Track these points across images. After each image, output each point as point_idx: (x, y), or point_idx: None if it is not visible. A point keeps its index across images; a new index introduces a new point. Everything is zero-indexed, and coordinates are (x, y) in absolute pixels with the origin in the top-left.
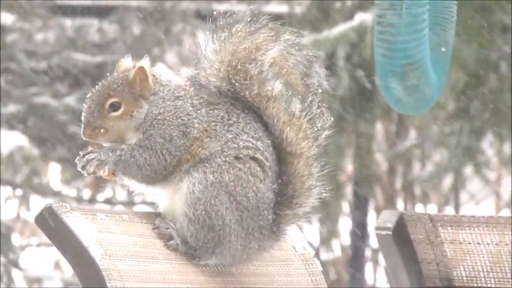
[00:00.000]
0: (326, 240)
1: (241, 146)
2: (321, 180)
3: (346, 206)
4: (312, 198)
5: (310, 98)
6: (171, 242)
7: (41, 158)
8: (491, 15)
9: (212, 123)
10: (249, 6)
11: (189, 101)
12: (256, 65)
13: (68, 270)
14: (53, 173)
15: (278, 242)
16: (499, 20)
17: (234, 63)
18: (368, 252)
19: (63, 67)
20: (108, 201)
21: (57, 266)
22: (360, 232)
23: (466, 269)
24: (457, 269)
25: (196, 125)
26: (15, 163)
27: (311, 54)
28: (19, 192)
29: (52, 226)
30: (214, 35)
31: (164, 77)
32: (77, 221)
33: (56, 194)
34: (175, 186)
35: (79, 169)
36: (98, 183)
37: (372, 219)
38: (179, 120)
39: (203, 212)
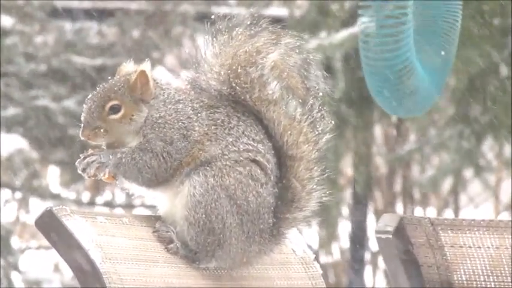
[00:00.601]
0: (325, 243)
1: (241, 149)
2: (321, 184)
3: (345, 210)
4: (312, 202)
5: (311, 102)
6: (171, 245)
7: (40, 160)
8: (491, 18)
9: (213, 127)
10: (248, 9)
11: (190, 105)
12: (257, 69)
13: (67, 273)
14: (52, 176)
15: (278, 245)
16: (499, 22)
17: (234, 67)
18: (367, 256)
19: (62, 70)
20: (107, 204)
21: (56, 268)
22: (359, 235)
23: (466, 273)
24: (458, 272)
25: (196, 128)
26: (15, 166)
27: (311, 57)
28: (18, 195)
29: (52, 229)
30: (215, 39)
31: (164, 81)
32: (77, 224)
33: (55, 196)
34: (176, 190)
35: (79, 172)
36: (98, 186)
37: (371, 223)
38: (180, 123)
39: (203, 216)
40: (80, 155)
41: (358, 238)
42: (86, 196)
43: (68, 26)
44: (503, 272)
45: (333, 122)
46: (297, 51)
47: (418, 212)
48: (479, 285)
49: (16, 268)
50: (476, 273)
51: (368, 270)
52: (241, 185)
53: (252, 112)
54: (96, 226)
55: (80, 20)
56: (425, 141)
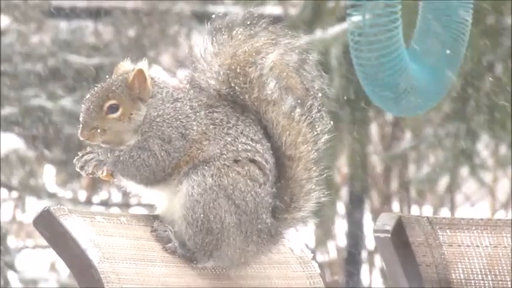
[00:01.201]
0: (322, 242)
1: (240, 149)
2: (319, 185)
3: (341, 208)
4: (311, 203)
5: (310, 102)
6: (169, 244)
7: (36, 160)
8: (487, 17)
9: (211, 126)
10: (244, 8)
11: (188, 104)
12: (256, 69)
13: (64, 272)
14: (49, 175)
15: (276, 245)
16: (494, 20)
17: (233, 67)
18: (364, 254)
19: (58, 69)
20: (104, 203)
21: (53, 268)
22: (355, 234)
23: (465, 271)
24: (456, 271)
25: (195, 128)
26: (11, 165)
27: (311, 57)
28: (15, 194)
29: (50, 229)
30: (214, 38)
31: (162, 79)
32: (75, 224)
33: (52, 196)
34: (174, 189)
35: (77, 169)
36: (94, 185)
37: (368, 221)
38: (178, 122)
39: (202, 215)
40: (78, 153)
41: (355, 237)
42: (82, 195)
43: (64, 25)
44: (501, 270)
45: (331, 122)
46: (296, 51)
47: (414, 210)
48: (477, 284)
49: (12, 267)
50: (474, 272)
51: (365, 269)
52: (239, 185)
53: (251, 112)
54: (94, 225)
55: (76, 19)
56: (421, 140)
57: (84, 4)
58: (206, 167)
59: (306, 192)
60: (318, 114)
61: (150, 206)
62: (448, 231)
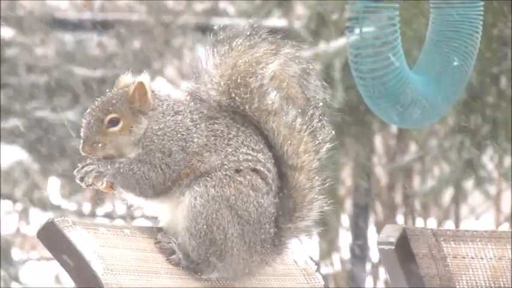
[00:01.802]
0: (326, 254)
1: (241, 159)
2: (322, 194)
3: (346, 220)
4: (314, 212)
5: (310, 111)
6: (173, 256)
7: (40, 172)
8: (491, 28)
9: (212, 138)
10: (248, 20)
11: (189, 116)
12: (257, 79)
13: (68, 284)
14: (53, 187)
15: (280, 255)
16: (498, 32)
17: (234, 77)
18: (368, 267)
19: (63, 81)
20: (108, 215)
21: (57, 280)
22: (359, 246)
23: (469, 283)
24: (460, 283)
25: (195, 140)
26: (15, 177)
27: (311, 67)
28: (19, 206)
29: (54, 240)
30: (215, 49)
31: (163, 92)
32: (79, 236)
33: (56, 208)
34: (176, 200)
35: (77, 181)
36: (98, 197)
37: (372, 233)
38: (179, 135)
39: (205, 226)
40: (78, 164)
41: (359, 249)
42: (86, 207)
43: (68, 37)
44: (505, 282)
45: (333, 131)
46: (297, 61)
47: (419, 222)
48: None
49: (17, 279)
50: (478, 284)
51: (369, 281)
52: (241, 195)
53: (252, 122)
54: (98, 237)
55: (81, 31)
56: (426, 152)
57: (88, 16)
58: (208, 178)
59: (308, 201)
60: (319, 123)
61: (154, 218)
62: (452, 243)
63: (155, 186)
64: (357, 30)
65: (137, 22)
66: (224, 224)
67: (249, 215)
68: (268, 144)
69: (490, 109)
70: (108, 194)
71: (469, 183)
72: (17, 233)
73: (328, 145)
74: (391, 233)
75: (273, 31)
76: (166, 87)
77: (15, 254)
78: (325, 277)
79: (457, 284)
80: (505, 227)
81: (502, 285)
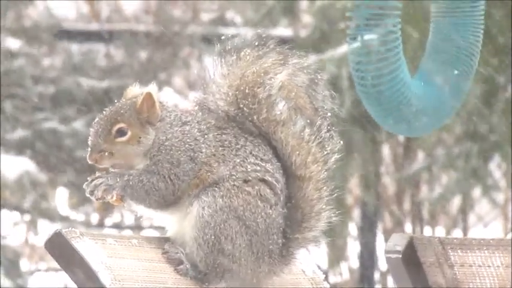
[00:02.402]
0: (334, 263)
1: (249, 169)
2: (330, 204)
3: (354, 229)
4: (322, 222)
5: (319, 122)
6: (181, 266)
7: (48, 183)
8: (497, 38)
9: (220, 148)
10: (254, 30)
11: (197, 126)
12: (265, 89)
13: None
14: (61, 198)
15: (288, 266)
16: (504, 41)
17: (242, 87)
18: (376, 276)
19: (70, 92)
20: (116, 226)
21: None
22: (368, 255)
23: None
24: None
25: (203, 150)
26: (23, 188)
27: (319, 77)
28: (27, 217)
29: (62, 251)
30: (223, 60)
31: (171, 102)
32: (86, 246)
33: (64, 218)
34: (185, 211)
35: (87, 194)
36: (107, 208)
37: (380, 242)
38: (187, 145)
39: (212, 237)
40: (88, 178)
41: (367, 258)
42: (94, 218)
43: (75, 48)
44: None
45: (341, 142)
46: (305, 71)
47: (427, 231)
48: None
49: None
50: None
51: None
52: (249, 206)
53: (260, 133)
54: (105, 248)
55: (88, 41)
56: (434, 160)
57: (95, 27)
58: (216, 188)
59: (316, 212)
60: (328, 134)
61: (162, 228)
62: (459, 251)
63: (165, 197)
64: (359, 38)
65: (144, 32)
66: (232, 234)
67: (257, 225)
68: (277, 155)
69: (496, 117)
70: (118, 205)
71: (476, 192)
72: (25, 244)
73: (336, 155)
74: (398, 242)
75: (281, 41)
76: (174, 98)
77: (24, 264)
78: (333, 286)
79: None
80: None
81: None
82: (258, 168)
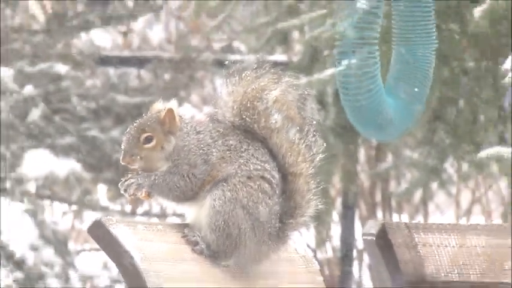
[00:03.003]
0: (321, 243)
1: (252, 168)
2: (317, 195)
3: (336, 216)
4: (311, 209)
5: (306, 128)
6: (197, 247)
7: (91, 180)
8: (451, 61)
9: (227, 152)
10: (256, 55)
11: (209, 134)
12: (262, 103)
13: (114, 270)
14: (101, 192)
15: (284, 245)
16: (459, 64)
17: (244, 102)
18: (355, 253)
19: (108, 107)
20: (145, 214)
21: (105, 266)
22: (348, 237)
23: (436, 266)
24: (428, 266)
25: (214, 154)
26: (71, 184)
27: (306, 93)
28: (74, 207)
29: (101, 235)
30: (228, 80)
31: (188, 116)
32: (121, 231)
33: (104, 208)
34: (201, 203)
35: (122, 192)
36: (138, 200)
37: (358, 226)
38: (201, 150)
39: (222, 223)
40: (122, 179)
41: (347, 239)
42: (128, 208)
43: (112, 71)
44: (463, 266)
45: (324, 144)
46: (295, 88)
47: (395, 218)
48: (444, 277)
49: (73, 266)
50: (443, 267)
51: (356, 264)
52: (252, 198)
53: (259, 138)
54: (136, 233)
55: (122, 66)
56: (400, 160)
57: (128, 54)
58: (225, 184)
59: (306, 201)
60: (313, 138)
61: (183, 216)
62: (422, 233)
63: (184, 192)
64: (344, 62)
65: (167, 59)
66: (238, 220)
67: (258, 213)
68: (273, 156)
69: (450, 126)
70: (146, 200)
71: (434, 185)
72: (72, 229)
73: (320, 155)
74: (373, 227)
75: (275, 64)
76: (191, 112)
77: (71, 246)
78: (320, 262)
79: (425, 267)
80: (463, 220)
81: (462, 267)
82: (259, 167)
